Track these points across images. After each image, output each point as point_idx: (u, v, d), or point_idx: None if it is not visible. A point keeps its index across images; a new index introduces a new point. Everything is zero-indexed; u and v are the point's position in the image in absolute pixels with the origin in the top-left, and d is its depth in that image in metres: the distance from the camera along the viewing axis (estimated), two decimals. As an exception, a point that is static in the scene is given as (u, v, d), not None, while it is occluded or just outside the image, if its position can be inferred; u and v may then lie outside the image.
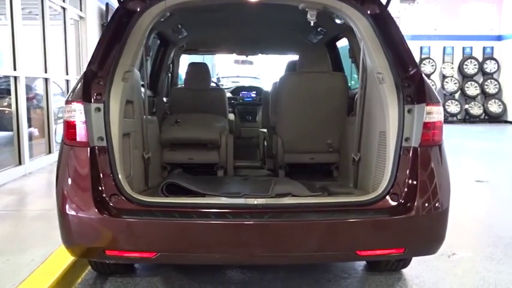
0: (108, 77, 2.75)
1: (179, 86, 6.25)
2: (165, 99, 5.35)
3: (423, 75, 2.80)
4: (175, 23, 4.49)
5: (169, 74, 5.71)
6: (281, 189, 3.04)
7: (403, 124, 2.71)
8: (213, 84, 6.63)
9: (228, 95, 7.17)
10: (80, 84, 2.70)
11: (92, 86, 2.72)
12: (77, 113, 2.64)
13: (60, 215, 2.61)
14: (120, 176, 2.68)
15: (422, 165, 2.70)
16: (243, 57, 7.47)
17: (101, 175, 2.65)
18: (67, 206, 2.58)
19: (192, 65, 5.14)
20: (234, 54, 6.81)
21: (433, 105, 2.73)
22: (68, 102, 2.68)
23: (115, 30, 2.90)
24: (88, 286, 3.29)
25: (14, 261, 3.32)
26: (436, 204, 2.68)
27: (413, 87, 2.77)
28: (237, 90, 7.56)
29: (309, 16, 3.18)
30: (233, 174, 4.34)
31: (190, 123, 4.37)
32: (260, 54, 6.83)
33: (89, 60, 2.82)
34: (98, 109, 2.68)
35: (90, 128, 2.64)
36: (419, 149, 2.71)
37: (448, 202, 2.74)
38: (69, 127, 2.66)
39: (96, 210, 2.53)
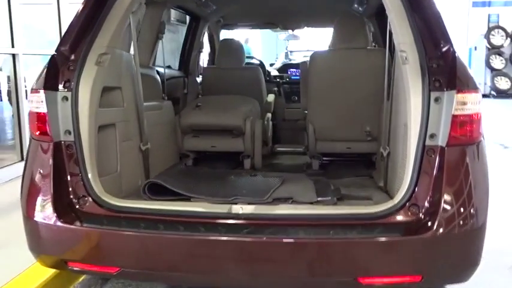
0: (79, 60, 2.28)
1: None
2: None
3: (456, 54, 2.06)
4: None
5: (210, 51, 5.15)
6: (282, 193, 2.48)
7: (427, 116, 2.03)
8: (255, 61, 6.03)
9: (275, 73, 6.56)
10: (45, 69, 2.26)
11: (61, 71, 2.30)
12: (39, 103, 2.21)
13: (24, 219, 2.24)
14: (90, 175, 2.26)
15: (452, 169, 2.03)
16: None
17: (68, 174, 2.26)
18: (28, 209, 2.21)
19: (223, 42, 4.60)
20: (278, 28, 6.12)
21: (468, 93, 2.03)
22: (32, 90, 2.26)
23: (92, 6, 2.42)
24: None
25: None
26: (468, 221, 2.01)
27: (443, 68, 2.05)
28: (284, 68, 6.90)
29: None
30: (261, 164, 3.81)
31: (212, 107, 3.86)
32: (306, 28, 6.08)
33: (59, 41, 2.37)
34: (66, 98, 2.28)
35: (54, 121, 2.24)
36: (447, 148, 2.01)
37: (484, 217, 2.05)
38: (32, 119, 2.28)
39: (55, 215, 2.14)
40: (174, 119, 3.71)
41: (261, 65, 5.67)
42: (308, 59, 3.78)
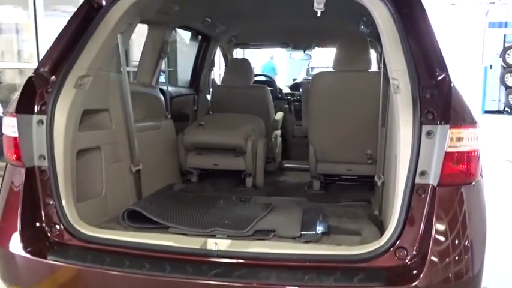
0: (57, 83, 2.16)
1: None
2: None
3: (453, 83, 1.83)
4: (200, 16, 3.83)
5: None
6: (266, 224, 2.30)
7: (418, 151, 1.81)
8: (262, 78, 5.86)
9: (287, 90, 6.40)
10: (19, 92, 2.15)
11: (38, 94, 2.18)
12: (12, 127, 2.09)
13: None
14: (64, 202, 2.13)
15: (444, 211, 1.82)
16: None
17: (41, 200, 2.11)
18: None
19: (232, 61, 4.47)
20: (290, 47, 5.95)
21: (464, 128, 1.81)
22: (6, 113, 2.15)
23: (76, 27, 2.31)
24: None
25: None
26: (461, 269, 1.78)
27: (437, 99, 1.83)
28: (295, 86, 6.73)
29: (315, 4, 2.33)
30: (263, 182, 3.68)
31: (214, 126, 3.76)
32: (316, 48, 5.90)
33: (38, 63, 2.26)
34: (41, 122, 2.16)
35: (27, 145, 2.13)
36: (439, 188, 1.78)
37: (480, 265, 1.83)
38: (6, 143, 2.15)
39: (21, 245, 1.99)
40: (174, 138, 3.61)
41: (272, 82, 5.50)
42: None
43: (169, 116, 3.62)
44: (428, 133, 1.81)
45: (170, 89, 4.30)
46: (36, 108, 2.16)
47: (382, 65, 2.31)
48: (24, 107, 2.13)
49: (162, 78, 4.26)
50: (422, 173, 1.81)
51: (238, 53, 6.94)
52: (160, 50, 3.57)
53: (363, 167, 3.35)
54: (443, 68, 1.88)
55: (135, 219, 2.39)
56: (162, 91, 3.75)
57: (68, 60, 2.25)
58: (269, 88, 5.41)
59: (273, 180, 4.00)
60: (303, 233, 2.20)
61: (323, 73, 3.65)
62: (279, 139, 4.71)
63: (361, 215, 2.64)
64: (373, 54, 3.91)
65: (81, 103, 2.30)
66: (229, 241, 2.04)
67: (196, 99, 4.62)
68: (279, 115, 4.82)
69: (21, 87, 2.18)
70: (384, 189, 2.48)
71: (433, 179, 1.80)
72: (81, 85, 2.29)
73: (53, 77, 2.23)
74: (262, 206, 2.64)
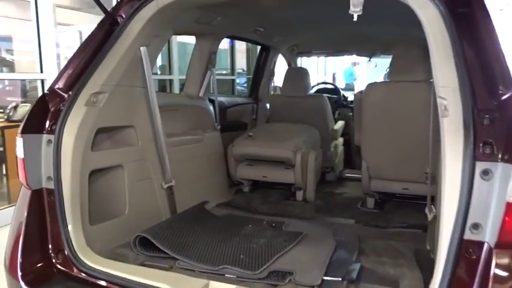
0: (68, 100, 1.98)
1: None
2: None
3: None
4: (249, 26, 3.55)
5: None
6: (285, 264, 1.90)
7: (468, 196, 1.31)
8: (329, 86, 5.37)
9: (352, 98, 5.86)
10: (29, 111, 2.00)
11: (51, 112, 2.01)
12: (20, 147, 1.93)
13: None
14: (70, 227, 1.91)
15: (502, 282, 1.26)
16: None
17: (47, 225, 1.92)
18: (5, 260, 1.94)
19: (288, 70, 4.12)
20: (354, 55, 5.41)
21: (535, 168, 1.26)
22: (18, 133, 2.00)
23: (96, 41, 2.12)
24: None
25: None
26: None
27: (499, 127, 1.32)
28: None
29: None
30: (313, 196, 3.38)
31: (263, 137, 3.50)
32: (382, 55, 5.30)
33: (53, 80, 2.09)
34: (50, 142, 1.96)
35: (34, 167, 1.97)
36: (496, 251, 1.27)
37: None
38: (18, 165, 1.99)
39: (19, 273, 1.81)
40: (220, 149, 3.38)
41: (336, 90, 5.00)
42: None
43: (219, 126, 3.41)
44: (485, 172, 1.31)
45: (225, 99, 4.07)
46: (46, 127, 1.99)
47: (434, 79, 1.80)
48: (32, 127, 1.98)
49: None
50: (475, 226, 1.31)
51: (311, 60, 6.53)
52: (207, 61, 3.35)
53: (421, 186, 2.83)
54: (509, 85, 1.35)
55: (148, 244, 2.13)
56: (212, 102, 3.53)
57: (81, 76, 2.06)
58: (333, 96, 4.96)
59: (329, 192, 3.72)
60: (325, 278, 1.78)
61: (376, 84, 3.15)
62: (340, 148, 4.41)
63: (407, 253, 2.14)
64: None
65: (95, 121, 2.09)
66: (233, 287, 1.68)
67: (255, 108, 4.43)
68: (339, 124, 4.47)
69: (32, 105, 2.03)
70: (436, 225, 1.96)
71: (489, 236, 1.29)
72: (95, 102, 2.09)
73: (67, 95, 2.05)
74: (292, 235, 2.25)
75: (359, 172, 3.93)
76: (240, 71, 10.03)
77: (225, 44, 8.98)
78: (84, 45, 2.16)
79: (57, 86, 2.08)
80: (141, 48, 2.28)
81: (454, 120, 1.40)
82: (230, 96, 4.37)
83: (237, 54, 9.65)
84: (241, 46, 9.78)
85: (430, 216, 1.98)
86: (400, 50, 2.90)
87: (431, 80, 2.84)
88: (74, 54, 2.15)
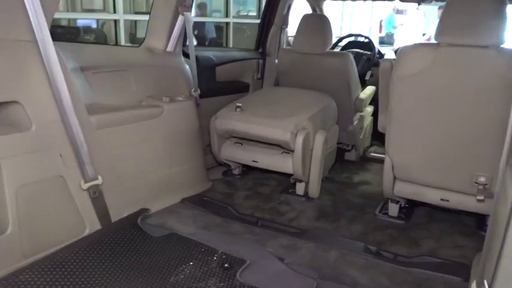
0: None
1: None
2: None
3: None
4: None
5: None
6: None
7: None
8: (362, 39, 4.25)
9: (392, 55, 4.66)
10: None
11: None
12: None
13: None
14: None
15: None
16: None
17: None
18: None
19: (304, 18, 3.05)
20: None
21: None
22: None
23: None
24: None
25: None
26: None
27: None
28: None
29: None
30: (318, 191, 2.54)
31: (256, 110, 2.59)
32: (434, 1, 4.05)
33: None
34: None
35: None
36: None
37: None
38: None
39: None
40: (193, 124, 2.49)
41: (370, 45, 3.89)
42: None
43: (197, 92, 2.54)
44: None
45: (214, 53, 3.13)
46: None
47: None
48: None
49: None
50: None
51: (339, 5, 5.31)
52: (178, 1, 2.37)
53: (468, 199, 1.99)
54: None
55: None
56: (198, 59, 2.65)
57: None
58: (365, 53, 3.87)
59: (344, 181, 2.88)
60: None
61: (416, 47, 2.04)
62: (367, 121, 3.45)
63: None
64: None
65: None
66: None
67: (261, 64, 3.44)
68: (368, 91, 3.37)
69: None
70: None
71: None
72: None
73: None
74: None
75: None
76: (245, 13, 8.39)
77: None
78: None
79: None
80: None
81: None
82: (223, 50, 3.42)
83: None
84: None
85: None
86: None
87: (502, 46, 1.82)
88: None
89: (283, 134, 2.39)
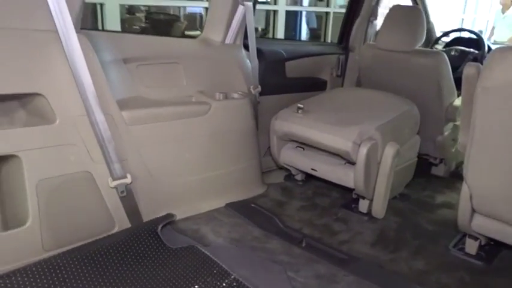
0: None
1: None
2: None
3: None
4: None
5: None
6: None
7: None
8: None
9: None
10: None
11: None
12: None
13: None
14: None
15: None
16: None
17: None
18: None
19: (392, 10, 2.65)
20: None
21: None
22: None
23: None
24: None
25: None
26: None
27: None
28: None
29: None
30: (384, 211, 2.19)
31: (320, 113, 2.31)
32: None
33: None
34: None
35: None
36: None
37: None
38: None
39: None
40: (248, 124, 2.29)
41: (480, 43, 3.27)
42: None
43: (258, 89, 2.35)
44: None
45: (288, 47, 2.87)
46: None
47: None
48: None
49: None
50: None
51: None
52: None
53: None
54: None
55: None
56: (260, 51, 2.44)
57: None
58: (472, 51, 3.28)
59: (423, 199, 2.47)
60: None
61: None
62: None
63: None
64: None
65: None
66: None
67: (342, 60, 3.11)
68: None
69: None
70: None
71: None
72: None
73: None
74: None
75: None
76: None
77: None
78: None
79: None
80: None
81: None
82: (297, 44, 3.14)
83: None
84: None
85: None
86: None
87: None
88: None
89: (344, 144, 2.07)
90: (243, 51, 2.38)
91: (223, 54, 2.27)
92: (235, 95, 2.25)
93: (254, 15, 2.39)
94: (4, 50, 1.39)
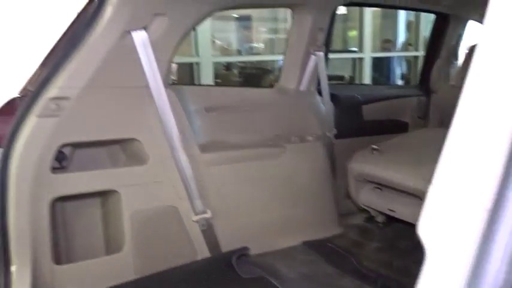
0: (20, 108, 1.57)
1: None
2: None
3: None
4: None
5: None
6: None
7: None
8: None
9: None
10: None
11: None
12: None
13: None
14: (14, 267, 1.53)
15: None
16: None
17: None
18: None
19: (470, 51, 2.66)
20: None
21: None
22: None
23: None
24: None
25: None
26: None
27: None
28: None
29: None
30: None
31: (396, 153, 2.36)
32: None
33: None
34: None
35: None
36: None
37: None
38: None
39: None
40: (323, 165, 2.39)
41: None
42: None
43: (333, 132, 2.45)
44: None
45: (364, 91, 2.97)
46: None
47: None
48: None
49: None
50: None
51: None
52: (308, 41, 2.35)
53: None
54: None
55: None
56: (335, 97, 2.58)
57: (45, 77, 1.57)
58: None
59: None
60: None
61: None
62: None
63: None
64: None
65: (53, 135, 1.58)
66: None
67: (423, 102, 3.09)
68: None
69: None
70: None
71: None
72: (54, 110, 1.57)
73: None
74: None
75: None
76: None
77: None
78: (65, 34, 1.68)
79: (29, 87, 1.67)
80: (133, 33, 1.63)
81: None
82: (374, 88, 3.20)
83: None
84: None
85: None
86: None
87: None
88: (54, 45, 1.69)
89: (415, 182, 2.05)
90: (317, 96, 2.53)
91: (298, 100, 2.44)
92: (310, 138, 2.39)
93: (327, 64, 2.56)
94: (109, 104, 1.71)
